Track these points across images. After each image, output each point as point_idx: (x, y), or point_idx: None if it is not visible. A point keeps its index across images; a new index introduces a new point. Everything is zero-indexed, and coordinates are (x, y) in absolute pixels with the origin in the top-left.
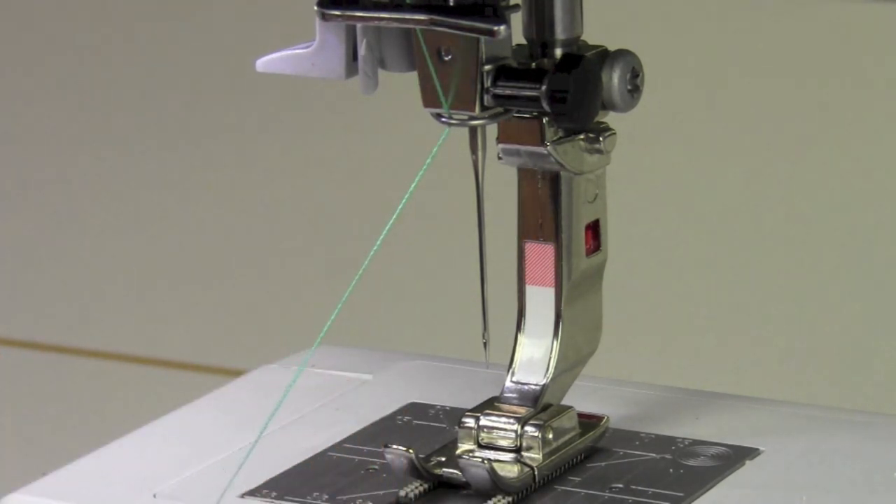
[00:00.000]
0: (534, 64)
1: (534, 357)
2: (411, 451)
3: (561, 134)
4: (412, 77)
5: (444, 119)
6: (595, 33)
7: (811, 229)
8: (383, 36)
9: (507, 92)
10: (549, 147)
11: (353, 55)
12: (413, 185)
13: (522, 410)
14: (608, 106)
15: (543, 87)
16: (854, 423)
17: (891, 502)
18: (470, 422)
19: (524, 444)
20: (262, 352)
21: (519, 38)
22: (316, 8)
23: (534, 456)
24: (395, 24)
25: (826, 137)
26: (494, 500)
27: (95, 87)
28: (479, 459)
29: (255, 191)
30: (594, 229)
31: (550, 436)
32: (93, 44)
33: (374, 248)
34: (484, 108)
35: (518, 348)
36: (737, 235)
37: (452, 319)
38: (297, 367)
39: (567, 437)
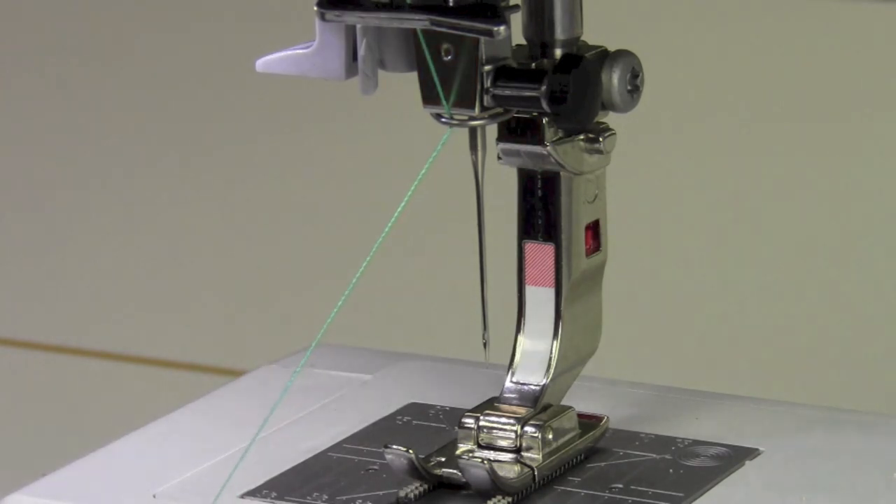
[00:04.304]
0: (534, 64)
1: (534, 357)
2: (411, 451)
3: (561, 134)
4: (412, 77)
5: (444, 119)
6: (595, 33)
7: (811, 229)
8: (383, 36)
9: (507, 92)
10: (548, 147)
11: (353, 55)
12: (414, 186)
13: (522, 411)
14: (608, 106)
15: (543, 88)
16: (854, 423)
17: (891, 502)
18: (470, 422)
19: (524, 445)
20: (262, 352)
21: (519, 38)
22: (316, 8)
23: (534, 456)
24: (395, 25)
25: (826, 137)
26: (494, 500)
27: (95, 87)
28: (479, 460)
29: (255, 191)
30: (594, 229)
31: (550, 436)
32: (93, 44)
33: (374, 247)
34: (484, 108)
35: (518, 348)
36: (737, 235)
37: (452, 319)
38: (295, 368)
39: (567, 437)
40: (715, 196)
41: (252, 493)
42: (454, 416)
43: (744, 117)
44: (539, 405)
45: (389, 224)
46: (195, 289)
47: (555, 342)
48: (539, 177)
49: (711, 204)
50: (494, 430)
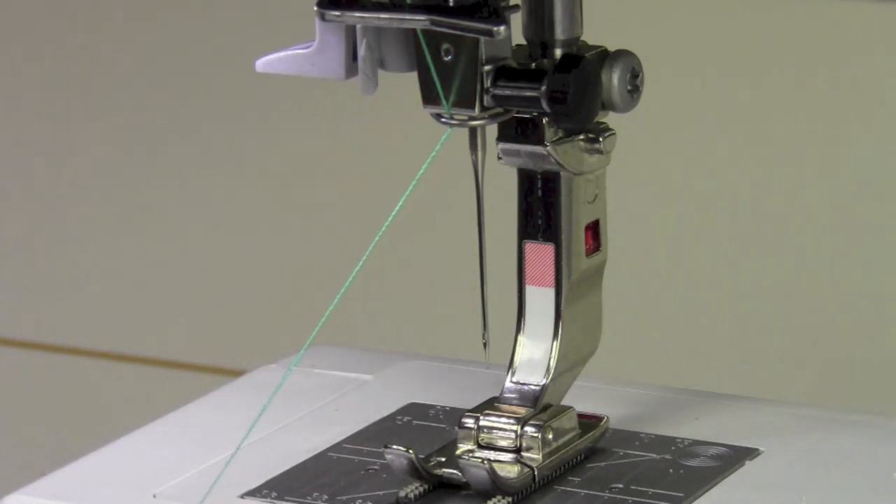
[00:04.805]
0: (534, 64)
1: (534, 357)
2: (411, 451)
3: (561, 134)
4: (412, 77)
5: (444, 119)
6: (595, 33)
7: (811, 229)
8: (383, 36)
9: (507, 92)
10: (548, 147)
11: (353, 55)
12: (412, 185)
13: (522, 411)
14: (608, 106)
15: (543, 88)
16: (854, 423)
17: (891, 502)
18: (470, 422)
19: (524, 445)
20: (262, 352)
21: (519, 38)
22: (316, 8)
23: (534, 456)
24: (395, 24)
25: (826, 137)
26: (494, 500)
27: (95, 86)
28: (479, 460)
29: (254, 191)
30: (594, 229)
31: (550, 436)
32: (92, 43)
33: (370, 246)
34: (484, 108)
35: (518, 348)
36: (737, 235)
37: (452, 319)
38: (289, 366)
39: (567, 437)
40: (715, 196)
41: (252, 493)
42: (454, 416)
43: (744, 117)
44: (539, 405)
45: (387, 222)
46: (195, 289)
47: (555, 342)
48: (539, 177)
49: (711, 204)
50: (494, 430)
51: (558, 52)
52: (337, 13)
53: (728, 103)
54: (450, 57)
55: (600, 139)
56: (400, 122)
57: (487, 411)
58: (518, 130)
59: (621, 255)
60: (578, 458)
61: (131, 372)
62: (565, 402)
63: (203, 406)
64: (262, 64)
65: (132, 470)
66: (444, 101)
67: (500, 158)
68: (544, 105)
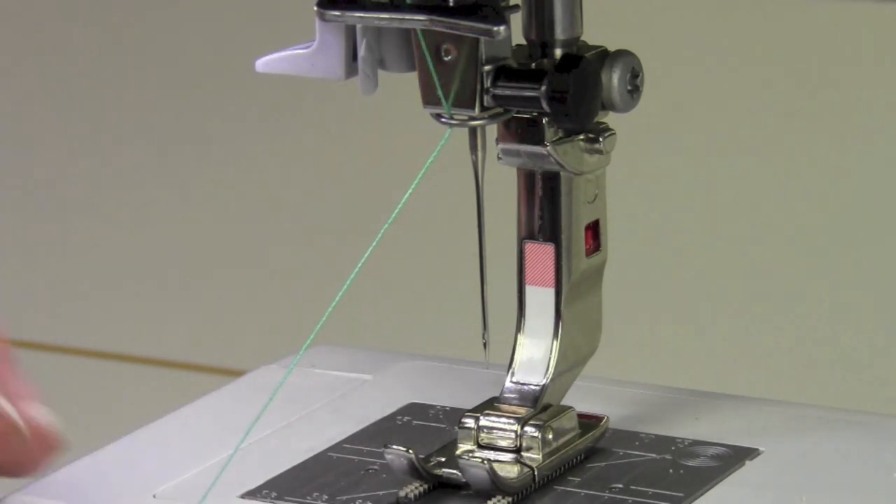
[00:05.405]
0: (534, 64)
1: (534, 357)
2: (411, 451)
3: (561, 134)
4: (412, 77)
5: (444, 119)
6: (595, 33)
7: (811, 229)
8: (383, 36)
9: (507, 92)
10: (548, 147)
11: (352, 55)
12: (413, 186)
13: (522, 411)
14: (608, 106)
15: (543, 88)
16: (854, 423)
17: (891, 502)
18: (470, 422)
19: (524, 445)
20: (262, 352)
21: (519, 38)
22: (316, 8)
23: (534, 456)
24: (395, 25)
25: (825, 137)
26: (494, 500)
27: (95, 87)
28: (479, 460)
29: (255, 191)
30: (594, 229)
31: (550, 436)
32: (93, 43)
33: (371, 247)
34: (484, 108)
35: (518, 348)
36: (736, 236)
37: (452, 319)
38: (289, 366)
39: (567, 437)
40: (715, 196)
41: (252, 493)
42: (454, 416)
43: (744, 117)
44: (539, 405)
45: (387, 224)
46: (195, 289)
47: (555, 342)
48: (539, 177)
49: (711, 204)
50: (494, 430)
51: (558, 52)
52: (337, 13)
53: (728, 103)
54: (450, 57)
55: (600, 139)
56: (400, 122)
57: (487, 411)
58: (518, 130)
59: (621, 255)
60: (578, 458)
61: (131, 372)
62: (565, 402)
63: (203, 406)
64: (262, 64)
65: (132, 470)
66: (444, 101)
67: (500, 158)
68: (544, 105)
